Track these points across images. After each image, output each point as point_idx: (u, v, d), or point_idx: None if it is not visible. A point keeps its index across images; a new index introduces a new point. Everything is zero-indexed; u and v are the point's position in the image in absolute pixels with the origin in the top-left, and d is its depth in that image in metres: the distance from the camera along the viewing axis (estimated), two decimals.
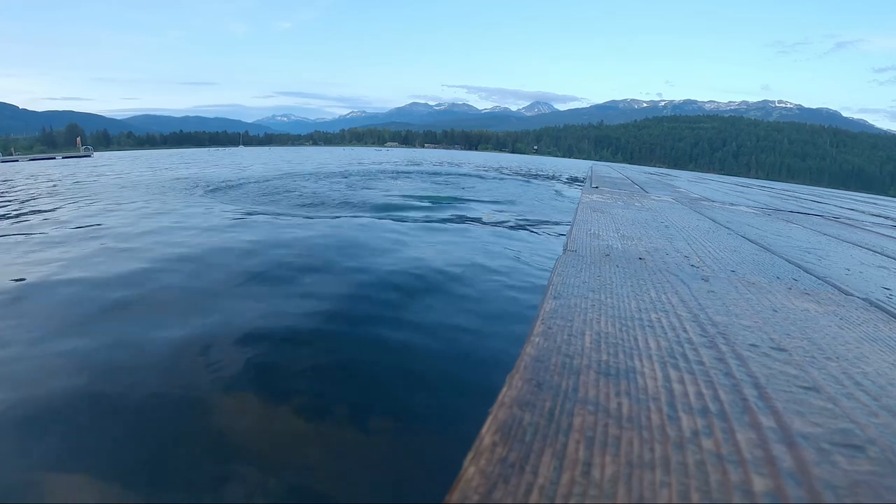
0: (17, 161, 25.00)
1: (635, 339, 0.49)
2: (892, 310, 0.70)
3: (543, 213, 5.09)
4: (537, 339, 0.47)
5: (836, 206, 3.35)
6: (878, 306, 0.72)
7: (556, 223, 4.35)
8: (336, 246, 2.89)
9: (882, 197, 7.96)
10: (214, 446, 1.09)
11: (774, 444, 0.31)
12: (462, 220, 4.23)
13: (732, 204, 2.49)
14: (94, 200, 5.12)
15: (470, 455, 0.29)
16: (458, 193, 6.64)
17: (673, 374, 0.41)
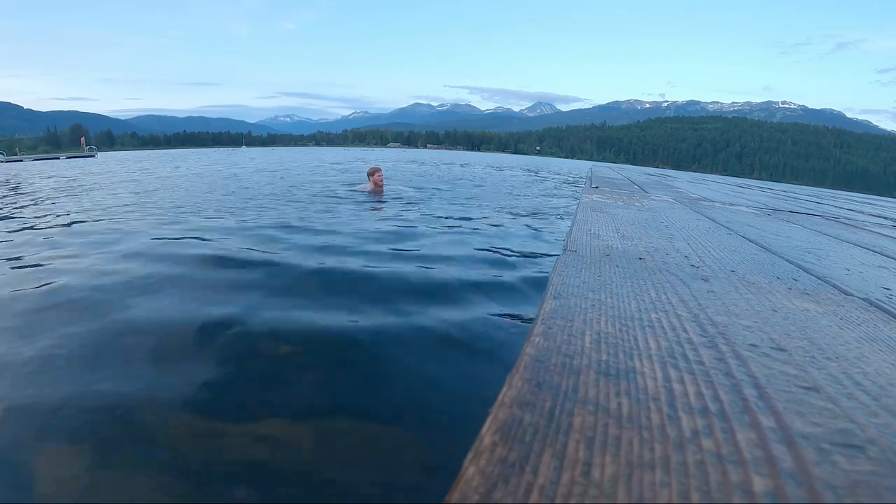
0: (22, 161, 25.05)
1: (635, 339, 0.49)
2: (892, 310, 0.70)
3: (544, 211, 5.09)
4: (537, 339, 0.47)
5: (833, 206, 3.35)
6: (878, 306, 0.72)
7: (557, 222, 4.35)
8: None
9: (881, 197, 7.94)
10: (211, 448, 1.09)
11: (774, 444, 0.31)
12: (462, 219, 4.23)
13: (732, 204, 2.49)
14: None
15: (470, 455, 0.29)
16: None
17: (673, 374, 0.41)
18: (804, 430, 0.34)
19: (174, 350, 1.51)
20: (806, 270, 0.94)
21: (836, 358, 0.49)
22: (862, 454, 0.31)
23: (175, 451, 1.07)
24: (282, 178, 8.33)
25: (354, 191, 5.84)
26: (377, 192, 5.48)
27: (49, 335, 1.56)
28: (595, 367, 0.42)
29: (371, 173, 5.63)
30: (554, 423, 0.33)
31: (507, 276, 2.43)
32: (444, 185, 7.38)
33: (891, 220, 2.60)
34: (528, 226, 4.06)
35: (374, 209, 4.55)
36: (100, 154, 35.18)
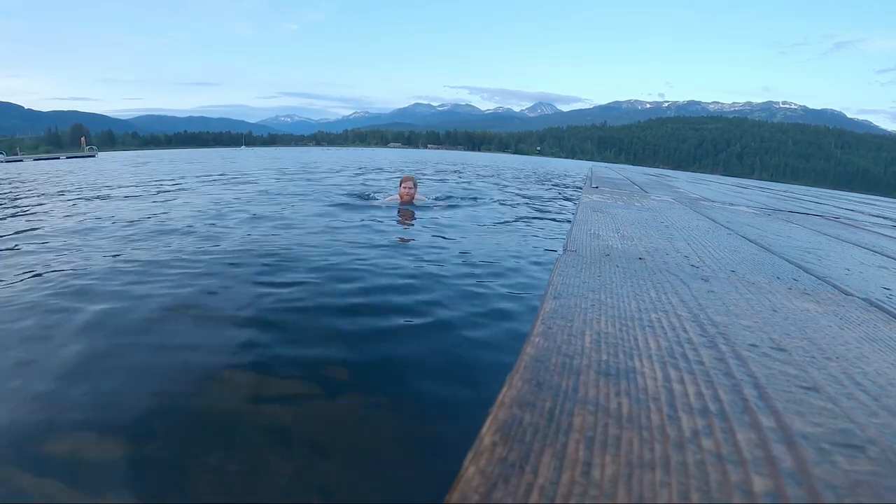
0: (22, 161, 25.02)
1: (635, 339, 0.49)
2: (892, 310, 0.70)
3: (544, 210, 5.10)
4: (537, 339, 0.47)
5: (834, 206, 3.35)
6: (878, 306, 0.72)
7: (557, 222, 4.35)
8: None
9: (882, 198, 7.93)
10: (211, 446, 1.09)
11: (774, 444, 0.31)
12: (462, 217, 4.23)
13: (732, 204, 2.49)
14: None
15: (470, 455, 0.29)
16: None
17: (673, 374, 0.41)
18: (804, 430, 0.34)
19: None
20: (806, 270, 0.94)
21: (836, 358, 0.49)
22: (862, 454, 0.31)
23: None
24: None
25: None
26: (405, 205, 4.75)
27: None
28: (595, 367, 0.42)
29: (400, 183, 4.90)
30: (554, 423, 0.33)
31: (507, 275, 2.43)
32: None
33: (891, 220, 2.60)
34: (527, 226, 4.06)
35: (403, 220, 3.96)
36: (100, 154, 35.18)
